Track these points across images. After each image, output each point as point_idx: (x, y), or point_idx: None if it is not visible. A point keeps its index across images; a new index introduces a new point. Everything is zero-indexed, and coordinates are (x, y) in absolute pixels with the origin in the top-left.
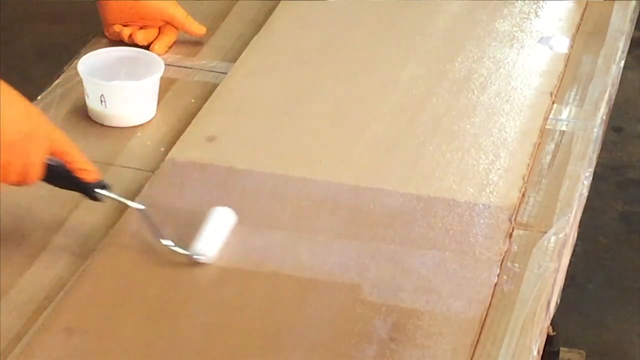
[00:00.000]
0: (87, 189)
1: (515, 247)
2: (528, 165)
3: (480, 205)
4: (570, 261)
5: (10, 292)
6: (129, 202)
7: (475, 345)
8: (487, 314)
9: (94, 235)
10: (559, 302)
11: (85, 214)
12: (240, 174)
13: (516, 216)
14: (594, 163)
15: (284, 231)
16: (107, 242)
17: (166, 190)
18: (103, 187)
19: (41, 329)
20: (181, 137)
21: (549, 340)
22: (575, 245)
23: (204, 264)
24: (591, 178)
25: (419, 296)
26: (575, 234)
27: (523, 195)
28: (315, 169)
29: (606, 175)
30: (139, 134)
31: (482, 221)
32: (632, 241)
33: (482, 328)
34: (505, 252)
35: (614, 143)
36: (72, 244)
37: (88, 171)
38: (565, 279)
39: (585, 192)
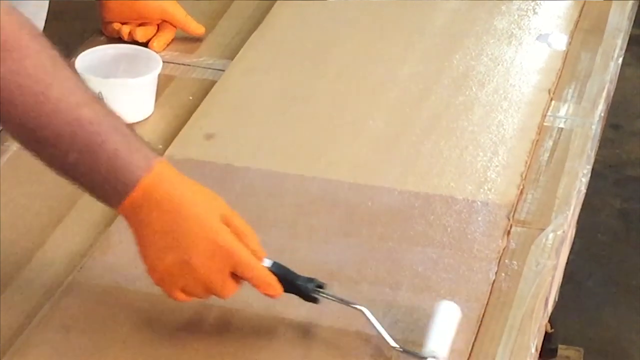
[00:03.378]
0: (305, 291)
1: (514, 245)
2: (526, 163)
3: (479, 203)
4: (569, 258)
5: (9, 289)
6: (351, 303)
7: (474, 343)
8: (485, 312)
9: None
10: (557, 299)
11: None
12: (238, 172)
13: (514, 213)
14: (592, 160)
15: (281, 228)
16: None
17: None
18: (319, 286)
19: (39, 326)
20: (179, 135)
21: (547, 337)
22: (574, 243)
23: None
24: (589, 175)
25: (417, 293)
26: (574, 231)
27: (521, 192)
28: (314, 167)
29: (604, 173)
30: (137, 131)
31: (480, 218)
32: (630, 238)
33: (480, 325)
34: (504, 249)
35: (612, 140)
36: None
37: (271, 286)
38: (564, 276)
39: (584, 190)
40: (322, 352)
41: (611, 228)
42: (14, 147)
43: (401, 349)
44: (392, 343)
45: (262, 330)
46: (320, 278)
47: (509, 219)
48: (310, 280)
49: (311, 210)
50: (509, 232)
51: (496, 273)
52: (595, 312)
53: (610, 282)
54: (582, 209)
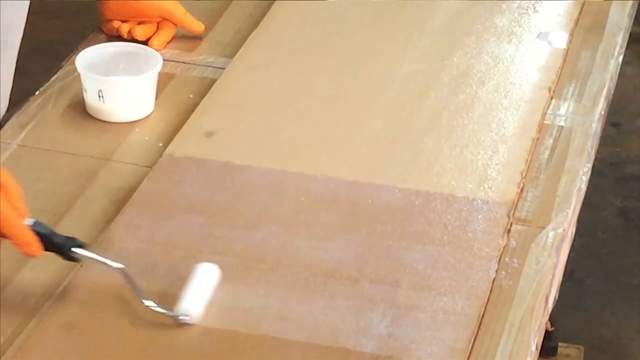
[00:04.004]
0: (63, 249)
1: (514, 243)
2: (526, 161)
3: (479, 201)
4: (569, 256)
5: (9, 288)
6: (108, 261)
7: (474, 341)
8: (485, 310)
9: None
10: (557, 297)
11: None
12: (238, 170)
13: (514, 211)
14: (593, 158)
15: (281, 226)
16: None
17: (164, 186)
18: (79, 246)
19: (39, 326)
20: (179, 133)
21: (548, 335)
22: (574, 241)
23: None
24: (590, 173)
25: (417, 291)
26: (574, 230)
27: (521, 190)
28: (314, 165)
29: (605, 171)
30: (137, 129)
31: (480, 216)
32: (630, 236)
33: (480, 323)
34: (504, 247)
35: (612, 138)
36: None
37: (30, 245)
38: (564, 274)
39: (584, 188)
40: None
41: (611, 226)
42: (14, 144)
43: (155, 306)
44: (146, 301)
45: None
46: (321, 276)
47: (509, 217)
48: (71, 239)
49: (311, 208)
50: (509, 230)
51: (496, 271)
52: (595, 310)
53: (610, 280)
54: (582, 207)
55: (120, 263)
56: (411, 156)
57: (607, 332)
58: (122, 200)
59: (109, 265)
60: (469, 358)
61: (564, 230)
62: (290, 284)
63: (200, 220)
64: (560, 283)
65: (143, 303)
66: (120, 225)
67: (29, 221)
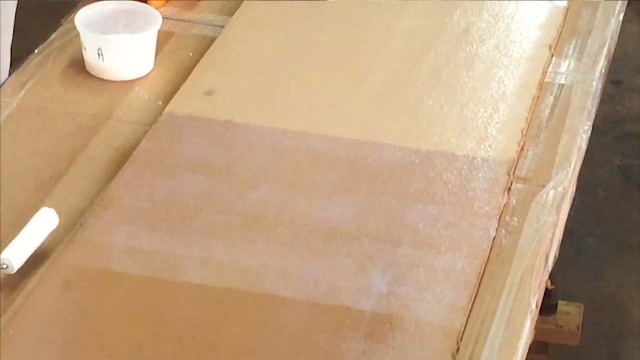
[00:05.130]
0: None
1: (514, 201)
2: (527, 119)
3: (479, 159)
4: (569, 215)
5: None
6: None
7: (474, 299)
8: (485, 268)
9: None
10: (557, 255)
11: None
12: (238, 128)
13: (515, 170)
14: (593, 116)
15: (282, 185)
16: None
17: (164, 145)
18: None
19: (40, 283)
20: (179, 91)
21: (547, 293)
22: (574, 199)
23: None
24: (590, 132)
25: (417, 250)
26: (574, 188)
27: (522, 149)
28: (314, 123)
29: (605, 129)
30: (136, 88)
31: (480, 175)
32: (630, 194)
33: (480, 282)
34: (504, 206)
35: (612, 96)
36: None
37: None
38: (563, 233)
39: (584, 146)
40: None
41: (611, 184)
42: (14, 103)
43: None
44: None
45: (261, 279)
46: (321, 234)
47: (509, 176)
48: None
49: (311, 167)
50: (509, 189)
51: (496, 230)
52: (595, 268)
53: (610, 238)
54: (582, 165)
55: None
56: (411, 114)
57: (607, 290)
58: (121, 159)
59: None
60: (469, 316)
61: (564, 188)
62: (290, 243)
63: (200, 178)
64: (560, 241)
65: None
66: (120, 183)
67: None
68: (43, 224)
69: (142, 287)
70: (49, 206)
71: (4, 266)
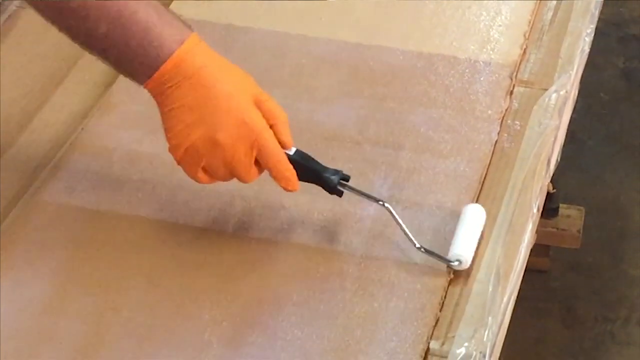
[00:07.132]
0: (329, 183)
1: (516, 105)
2: (529, 22)
3: (481, 62)
4: (571, 118)
5: (10, 151)
6: (377, 200)
7: (476, 203)
8: (487, 172)
9: None
10: (559, 159)
11: None
12: (239, 31)
13: (517, 73)
14: (596, 19)
15: (283, 89)
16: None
17: None
18: (344, 179)
19: (42, 187)
20: None
21: (549, 197)
22: (576, 102)
23: None
24: (593, 35)
25: (419, 154)
26: (576, 91)
27: (524, 52)
28: (315, 26)
29: (607, 31)
30: None
31: (482, 78)
32: (632, 97)
33: (482, 185)
34: (506, 109)
35: None
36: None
37: (290, 181)
38: (566, 136)
39: (587, 49)
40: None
41: (614, 87)
42: (13, 6)
43: (423, 250)
44: (417, 244)
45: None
46: (321, 138)
47: (511, 79)
48: (336, 172)
49: (312, 71)
50: (511, 92)
51: (498, 133)
52: (596, 171)
53: (612, 141)
54: (585, 68)
55: (385, 202)
56: (413, 17)
57: (608, 193)
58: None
59: (374, 202)
60: None
61: (566, 92)
62: None
63: None
64: (562, 145)
65: (415, 247)
66: (120, 88)
67: (292, 150)
68: (478, 220)
69: (147, 189)
70: (52, 109)
71: (456, 264)
